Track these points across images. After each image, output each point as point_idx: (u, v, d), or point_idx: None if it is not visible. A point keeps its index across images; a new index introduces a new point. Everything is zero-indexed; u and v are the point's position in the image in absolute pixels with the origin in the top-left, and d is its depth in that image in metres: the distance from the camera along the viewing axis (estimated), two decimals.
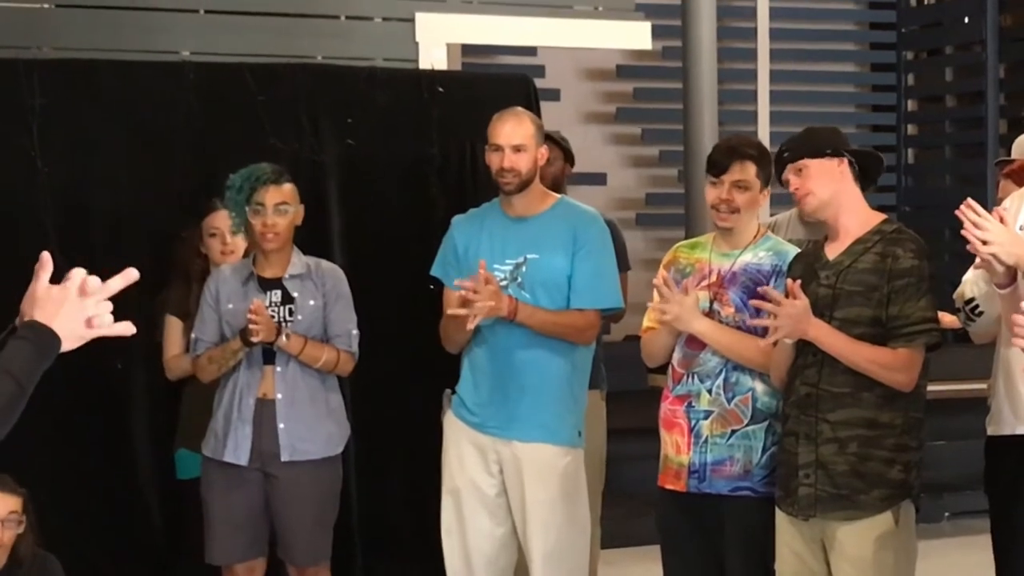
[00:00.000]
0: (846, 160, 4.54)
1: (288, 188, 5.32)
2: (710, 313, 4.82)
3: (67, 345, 2.64)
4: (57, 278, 2.66)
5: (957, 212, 4.04)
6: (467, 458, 5.25)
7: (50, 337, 2.60)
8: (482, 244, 5.24)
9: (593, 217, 5.32)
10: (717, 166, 4.83)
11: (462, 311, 4.96)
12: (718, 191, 4.82)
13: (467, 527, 5.27)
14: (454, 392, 5.36)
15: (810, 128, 4.77)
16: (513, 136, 5.15)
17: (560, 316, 5.17)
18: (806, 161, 4.52)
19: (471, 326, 5.00)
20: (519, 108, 5.34)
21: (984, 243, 3.99)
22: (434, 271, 5.39)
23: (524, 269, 5.17)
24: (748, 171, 4.81)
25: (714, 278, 4.87)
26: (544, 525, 5.18)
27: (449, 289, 5.29)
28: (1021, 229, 4.45)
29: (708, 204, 4.88)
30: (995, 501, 4.77)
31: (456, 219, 5.40)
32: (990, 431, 4.75)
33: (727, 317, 4.80)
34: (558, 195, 5.37)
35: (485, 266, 5.01)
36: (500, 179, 5.18)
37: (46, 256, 2.63)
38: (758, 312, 4.54)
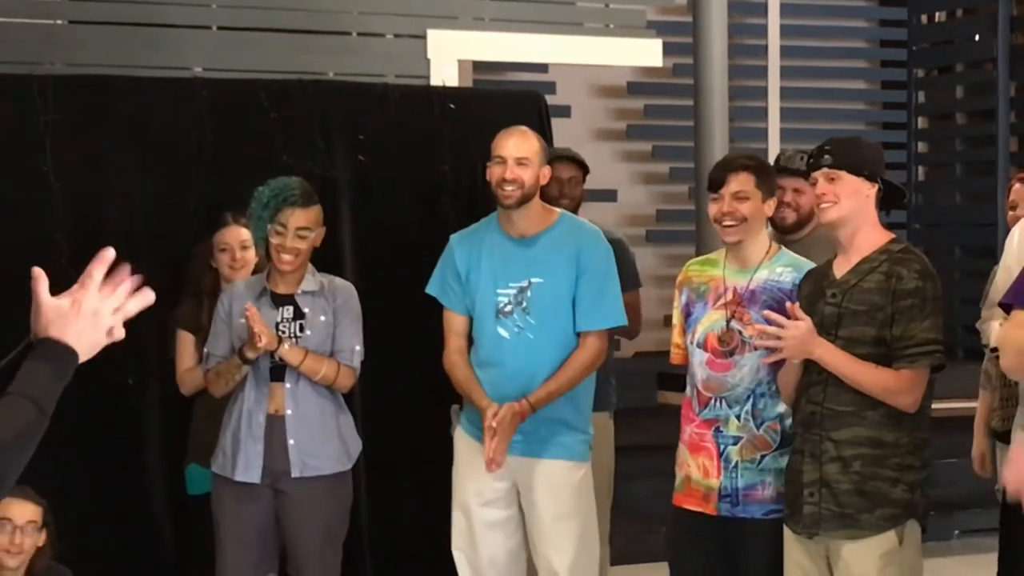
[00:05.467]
0: (877, 186, 4.55)
1: (314, 212, 5.29)
2: (728, 331, 4.82)
3: (83, 357, 2.56)
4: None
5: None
6: (478, 472, 5.27)
7: (67, 354, 2.53)
8: (483, 267, 5.25)
9: (596, 236, 5.32)
10: (715, 181, 4.85)
11: (491, 467, 5.08)
12: (719, 205, 4.82)
13: (478, 541, 5.29)
14: (462, 408, 5.38)
15: (858, 140, 4.76)
16: (518, 149, 5.16)
17: (570, 371, 5.19)
18: (842, 173, 4.51)
19: (495, 470, 5.11)
20: (524, 126, 5.34)
21: None
22: (431, 289, 5.39)
23: (529, 294, 5.18)
24: (746, 181, 4.80)
25: (730, 296, 4.85)
26: (563, 540, 5.22)
27: (450, 312, 5.32)
28: None
29: (712, 220, 4.88)
30: (1012, 543, 4.64)
31: (454, 238, 5.40)
32: None
33: (751, 337, 4.76)
34: (559, 211, 5.36)
35: (491, 410, 5.07)
36: (500, 191, 5.17)
37: (38, 271, 2.56)
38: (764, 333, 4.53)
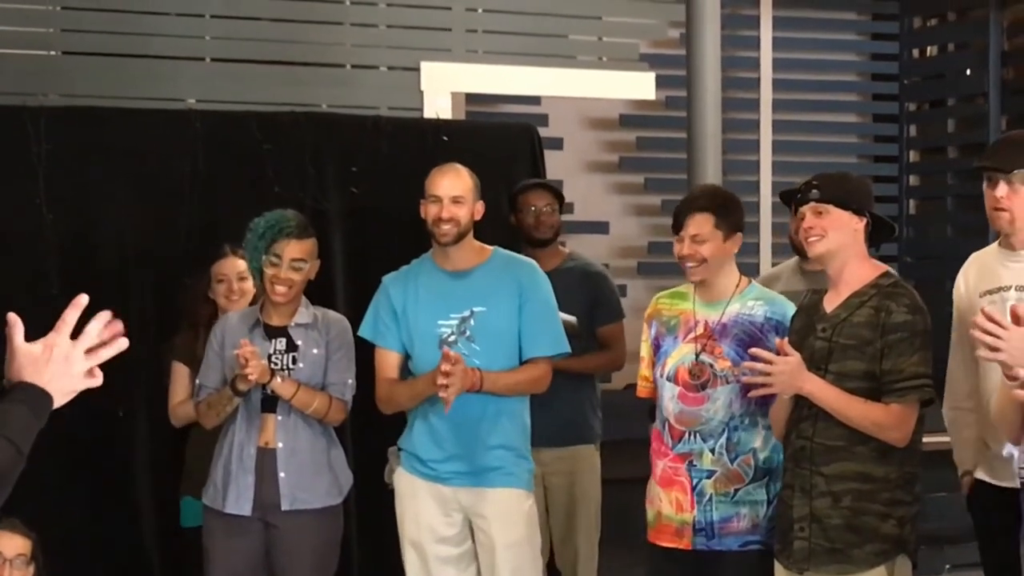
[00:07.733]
0: (866, 220, 4.55)
1: (308, 244, 5.32)
2: (698, 364, 4.83)
3: (58, 401, 2.62)
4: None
5: (975, 320, 3.80)
6: (427, 510, 5.30)
7: (42, 397, 2.58)
8: (421, 301, 5.26)
9: (533, 267, 5.38)
10: (676, 221, 4.89)
11: (442, 392, 4.96)
12: (680, 246, 4.86)
13: None
14: (400, 449, 5.38)
15: (846, 175, 4.77)
16: (453, 188, 5.21)
17: (520, 375, 5.23)
18: (830, 207, 4.52)
19: (448, 409, 5.01)
20: (457, 164, 5.35)
21: (994, 349, 3.69)
22: (363, 332, 5.38)
23: (472, 322, 5.20)
24: (703, 224, 4.82)
25: (701, 329, 4.88)
26: (517, 567, 5.23)
27: (383, 350, 5.32)
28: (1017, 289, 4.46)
29: (676, 258, 4.90)
30: (982, 544, 4.83)
31: (387, 278, 5.40)
32: (976, 475, 4.82)
33: (723, 371, 4.79)
34: (492, 247, 5.39)
35: (449, 353, 5.00)
36: (437, 229, 5.21)
37: (13, 317, 2.62)
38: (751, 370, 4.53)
